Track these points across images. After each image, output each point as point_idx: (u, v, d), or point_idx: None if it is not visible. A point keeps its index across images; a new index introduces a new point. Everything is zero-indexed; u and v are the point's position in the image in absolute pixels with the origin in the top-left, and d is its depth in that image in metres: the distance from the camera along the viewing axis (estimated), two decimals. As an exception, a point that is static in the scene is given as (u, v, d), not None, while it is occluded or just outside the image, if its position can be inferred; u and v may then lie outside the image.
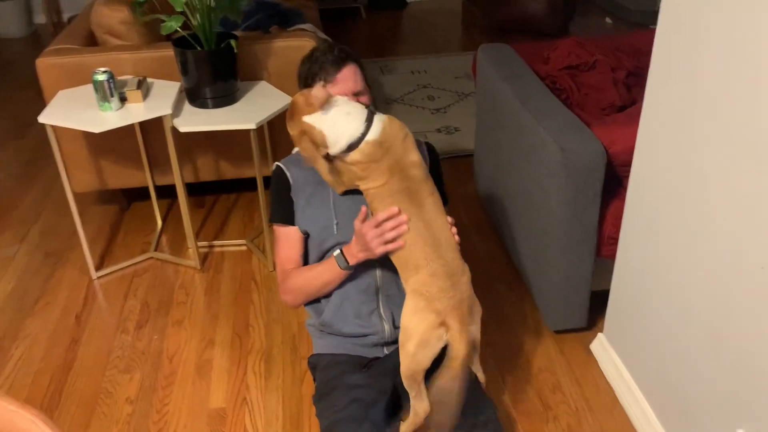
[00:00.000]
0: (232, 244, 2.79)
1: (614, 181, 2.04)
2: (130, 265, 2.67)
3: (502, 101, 2.38)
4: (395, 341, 1.89)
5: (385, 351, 1.90)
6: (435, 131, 3.65)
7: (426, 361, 1.65)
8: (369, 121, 1.64)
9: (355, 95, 1.77)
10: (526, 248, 2.32)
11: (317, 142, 1.63)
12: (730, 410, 1.48)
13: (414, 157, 1.68)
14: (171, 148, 2.39)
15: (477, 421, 1.69)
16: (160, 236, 2.85)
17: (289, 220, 1.83)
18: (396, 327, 1.87)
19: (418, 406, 1.74)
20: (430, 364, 1.65)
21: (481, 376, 1.91)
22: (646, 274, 1.82)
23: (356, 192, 1.77)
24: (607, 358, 2.10)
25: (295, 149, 1.93)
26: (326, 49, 1.78)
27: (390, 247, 1.63)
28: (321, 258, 1.85)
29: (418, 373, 1.67)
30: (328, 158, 1.69)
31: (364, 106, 1.67)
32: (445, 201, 2.01)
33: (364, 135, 1.65)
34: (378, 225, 1.62)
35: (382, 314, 1.86)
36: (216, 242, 2.79)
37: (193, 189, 2.98)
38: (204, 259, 2.70)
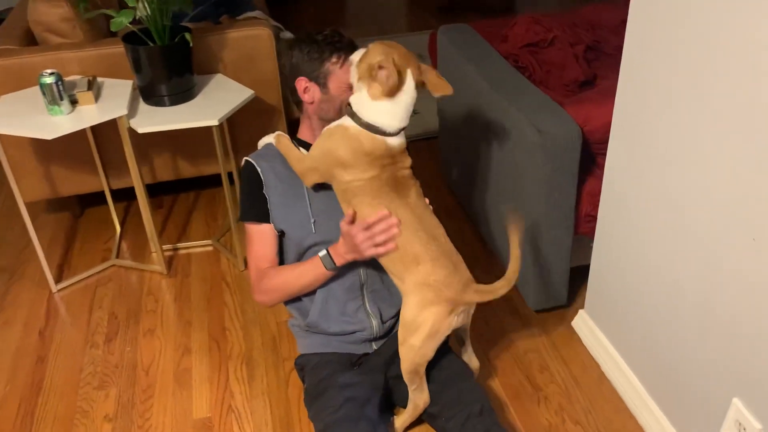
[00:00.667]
0: (197, 245, 2.69)
1: (588, 160, 2.05)
2: (92, 275, 2.54)
3: (468, 83, 2.35)
4: (383, 336, 1.87)
5: (374, 346, 1.87)
6: (394, 115, 3.59)
7: (432, 353, 1.65)
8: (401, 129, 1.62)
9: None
10: (501, 229, 2.31)
11: (392, 81, 1.54)
12: (724, 379, 1.51)
13: (407, 161, 1.66)
14: (128, 151, 2.28)
15: (471, 412, 1.68)
16: (120, 242, 2.73)
17: (262, 218, 1.77)
18: (384, 322, 1.84)
19: (418, 398, 1.72)
20: (433, 354, 1.64)
21: (474, 363, 1.89)
22: (627, 249, 1.83)
23: (330, 188, 1.71)
24: (590, 334, 2.12)
25: (262, 143, 1.86)
26: (335, 32, 1.72)
27: (381, 250, 1.59)
28: (300, 257, 1.79)
29: (422, 365, 1.67)
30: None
31: None
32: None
33: (398, 132, 1.61)
34: (368, 228, 1.57)
35: (369, 310, 1.82)
36: (180, 244, 2.69)
37: (148, 190, 2.85)
38: (169, 262, 2.60)
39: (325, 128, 1.65)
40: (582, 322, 2.17)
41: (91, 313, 2.37)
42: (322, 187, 1.73)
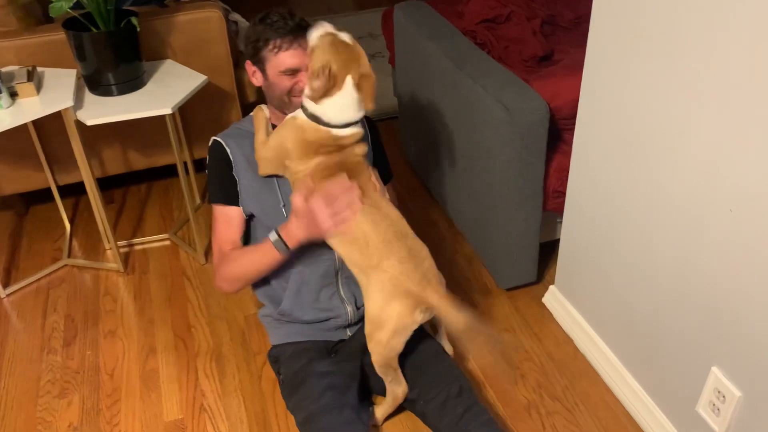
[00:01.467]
0: (154, 240, 2.58)
1: (555, 136, 2.04)
2: (43, 277, 2.41)
3: (429, 62, 2.30)
4: (358, 322, 1.83)
5: (349, 333, 1.83)
6: (348, 96, 3.53)
7: (400, 347, 1.60)
8: (348, 125, 1.57)
9: (294, 72, 1.63)
10: (471, 210, 2.29)
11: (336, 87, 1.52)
12: (702, 349, 1.52)
13: (359, 149, 1.62)
14: (77, 144, 2.15)
15: (450, 393, 1.67)
16: (71, 240, 2.59)
17: (231, 200, 1.70)
18: (358, 307, 1.80)
19: (396, 389, 1.69)
20: (403, 347, 1.60)
21: (449, 348, 1.88)
22: (598, 224, 1.83)
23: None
24: (562, 309, 2.13)
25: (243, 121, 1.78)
26: (286, 15, 1.62)
27: (342, 226, 1.53)
28: None
29: (393, 359, 1.63)
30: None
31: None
32: (390, 176, 1.94)
33: (345, 125, 1.56)
34: (329, 199, 1.51)
35: (343, 296, 1.78)
36: (136, 240, 2.58)
37: (98, 185, 2.72)
38: (126, 259, 2.48)
39: (285, 119, 1.61)
40: (553, 298, 2.18)
41: (45, 317, 2.25)
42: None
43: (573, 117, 1.91)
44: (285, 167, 1.61)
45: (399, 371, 1.67)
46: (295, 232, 1.59)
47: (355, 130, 1.59)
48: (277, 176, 1.69)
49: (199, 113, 2.61)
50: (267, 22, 1.61)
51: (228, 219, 1.73)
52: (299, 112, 1.58)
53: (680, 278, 1.55)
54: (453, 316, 1.51)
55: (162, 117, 2.16)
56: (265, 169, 1.65)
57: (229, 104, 2.66)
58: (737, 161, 1.30)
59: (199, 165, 2.90)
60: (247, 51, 1.69)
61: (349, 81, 1.53)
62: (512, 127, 1.88)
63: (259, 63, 1.66)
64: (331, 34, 1.54)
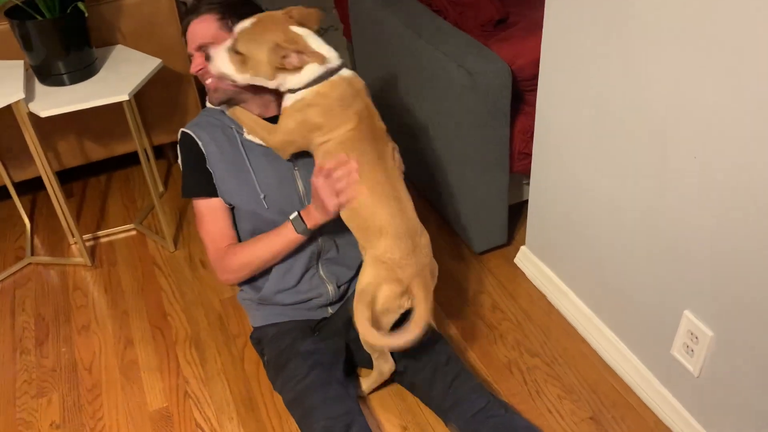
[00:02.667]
0: (119, 231, 2.53)
1: (517, 98, 2.06)
2: (7, 277, 2.35)
3: (386, 31, 2.29)
4: (339, 300, 1.83)
5: (330, 311, 1.83)
6: (305, 73, 3.48)
7: (386, 327, 1.60)
8: (341, 60, 1.53)
9: (202, 48, 1.58)
10: (437, 177, 2.30)
11: (306, 49, 1.45)
12: (673, 294, 1.58)
13: (375, 109, 1.59)
14: (32, 138, 2.08)
15: (438, 362, 1.69)
16: (32, 238, 2.52)
17: (210, 192, 1.66)
18: (339, 286, 1.80)
19: (383, 366, 1.71)
20: (389, 327, 1.60)
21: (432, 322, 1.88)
22: (564, 181, 1.87)
23: (277, 161, 1.63)
24: (534, 268, 2.17)
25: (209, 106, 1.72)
26: (191, 3, 1.63)
27: (342, 199, 1.52)
28: (255, 231, 1.70)
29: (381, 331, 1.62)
30: (279, 94, 1.53)
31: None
32: None
33: (340, 67, 1.52)
34: (327, 175, 1.50)
35: (323, 276, 1.78)
36: (101, 232, 2.52)
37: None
38: (92, 253, 2.43)
39: (284, 108, 1.53)
40: (525, 258, 2.22)
41: (14, 317, 2.20)
42: (266, 159, 1.64)
43: (534, 78, 1.93)
44: (310, 142, 1.54)
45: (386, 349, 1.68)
46: (314, 213, 1.58)
47: (356, 75, 1.57)
48: (251, 164, 1.66)
49: (155, 97, 2.55)
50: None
51: (213, 211, 1.68)
52: (299, 95, 1.50)
53: (648, 228, 1.59)
54: (419, 311, 1.53)
55: (118, 104, 2.10)
56: (288, 152, 1.59)
57: (186, 86, 2.60)
58: (699, 108, 1.33)
59: (158, 151, 2.84)
60: None
61: (296, 29, 1.47)
62: (476, 91, 1.89)
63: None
64: (235, 37, 1.48)
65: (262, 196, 1.64)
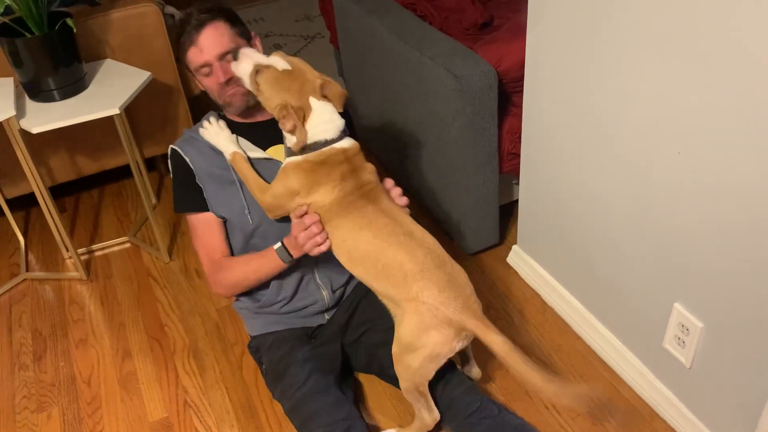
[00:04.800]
0: (113, 244, 2.54)
1: (504, 99, 2.08)
2: (3, 293, 2.35)
3: (372, 37, 2.31)
4: (334, 305, 1.85)
5: (326, 317, 1.85)
6: (293, 81, 3.50)
7: (431, 374, 1.52)
8: (344, 132, 1.53)
9: (223, 57, 1.63)
10: (428, 180, 2.32)
11: (299, 126, 1.48)
12: (663, 287, 1.60)
13: (368, 167, 1.58)
14: (24, 154, 2.09)
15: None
16: (26, 254, 2.53)
17: (202, 206, 1.68)
18: (334, 291, 1.82)
19: (427, 416, 1.62)
20: (434, 371, 1.52)
21: (476, 373, 1.83)
22: (554, 180, 1.90)
23: (264, 173, 1.64)
24: (526, 266, 2.20)
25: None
26: (189, 15, 1.63)
27: (323, 248, 1.53)
28: (247, 240, 1.72)
29: (423, 385, 1.56)
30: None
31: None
32: None
33: (337, 139, 1.52)
34: (305, 227, 1.52)
35: (319, 282, 1.80)
36: (95, 246, 2.53)
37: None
38: (87, 267, 2.44)
39: (280, 169, 1.56)
40: (517, 257, 2.25)
41: (11, 333, 2.20)
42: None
43: (520, 79, 1.96)
44: (299, 205, 1.55)
45: (429, 397, 1.59)
46: (294, 243, 1.59)
47: (354, 142, 1.56)
48: (240, 181, 1.66)
49: (145, 111, 2.56)
50: (181, 23, 1.64)
51: (206, 225, 1.71)
52: (292, 158, 1.53)
53: (636, 223, 1.62)
54: (495, 342, 1.45)
55: (109, 118, 2.11)
56: (275, 214, 1.59)
57: (176, 98, 2.62)
58: (681, 104, 1.36)
59: (150, 163, 2.85)
60: (182, 58, 1.70)
61: (314, 101, 1.50)
62: (463, 94, 1.91)
63: (189, 67, 1.69)
64: (266, 68, 1.49)
65: (246, 210, 1.66)
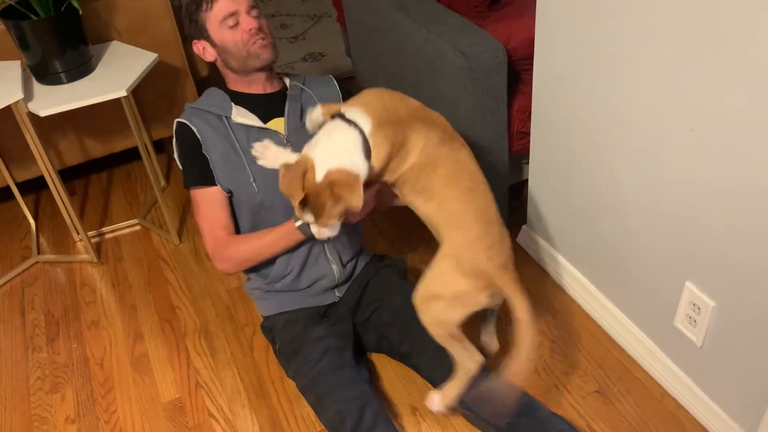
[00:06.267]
0: (123, 227, 2.55)
1: (513, 78, 2.06)
2: (15, 276, 2.37)
3: (379, 16, 2.29)
4: (345, 281, 1.85)
5: (337, 294, 1.86)
6: (301, 61, 3.49)
7: (455, 320, 1.48)
8: (361, 134, 1.39)
9: (235, 16, 1.64)
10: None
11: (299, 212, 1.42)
12: (675, 266, 1.59)
13: (417, 103, 1.54)
14: (33, 137, 2.09)
15: (440, 345, 1.67)
16: (38, 237, 2.54)
17: (207, 180, 1.68)
18: (344, 266, 1.82)
19: (468, 360, 1.56)
20: (459, 322, 1.48)
21: (494, 345, 1.80)
22: (564, 158, 1.88)
23: (268, 140, 1.62)
24: (536, 246, 2.19)
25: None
26: None
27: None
28: (254, 215, 1.72)
29: (453, 328, 1.49)
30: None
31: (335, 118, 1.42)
32: None
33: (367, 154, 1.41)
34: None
35: (329, 256, 1.80)
36: (105, 228, 2.54)
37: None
38: (97, 249, 2.45)
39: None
40: (526, 237, 2.24)
41: (24, 316, 2.22)
42: (257, 141, 1.65)
43: (529, 57, 1.94)
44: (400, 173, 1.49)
45: (466, 340, 1.54)
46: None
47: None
48: (244, 150, 1.68)
49: (152, 92, 2.56)
50: None
51: (211, 200, 1.69)
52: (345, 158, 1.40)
53: (647, 202, 1.60)
54: (524, 306, 1.43)
55: (116, 101, 2.11)
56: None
57: (182, 80, 2.61)
58: (693, 81, 1.34)
59: (158, 146, 2.85)
60: (188, 28, 1.70)
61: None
62: (472, 72, 1.89)
63: (202, 32, 1.67)
64: (296, 170, 1.38)
65: (252, 180, 1.66)
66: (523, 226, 2.24)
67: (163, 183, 2.73)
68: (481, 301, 1.46)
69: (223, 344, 2.04)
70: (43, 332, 2.16)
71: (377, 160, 1.40)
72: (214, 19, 1.65)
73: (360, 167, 1.38)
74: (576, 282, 2.03)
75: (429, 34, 2.00)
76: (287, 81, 1.82)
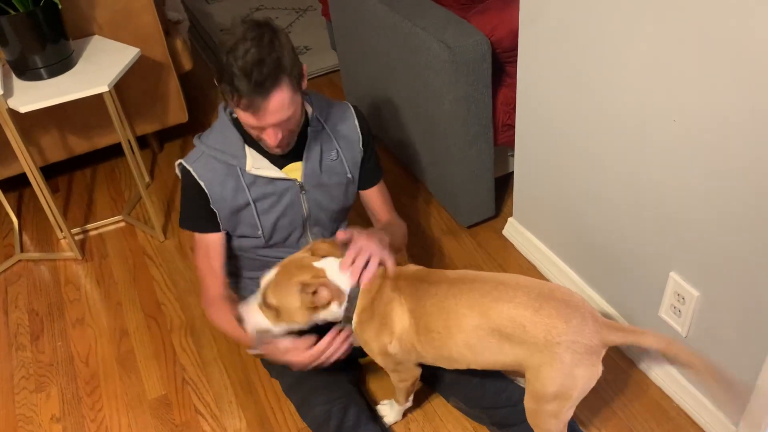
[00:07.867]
0: (108, 223, 2.53)
1: (498, 70, 2.06)
2: (-2, 275, 2.35)
3: (364, 9, 2.28)
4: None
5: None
6: (285, 55, 3.46)
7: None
8: (350, 303, 1.42)
9: (278, 125, 1.44)
10: (423, 153, 2.31)
11: (328, 285, 1.41)
12: (659, 257, 1.60)
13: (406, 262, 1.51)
14: (13, 134, 2.07)
15: None
16: (21, 234, 2.52)
17: (209, 229, 1.62)
18: None
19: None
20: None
21: None
22: (549, 150, 1.88)
23: (283, 188, 1.59)
24: (522, 238, 2.19)
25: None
26: (247, 68, 1.32)
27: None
28: (258, 251, 1.69)
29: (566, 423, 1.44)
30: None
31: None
32: (381, 174, 1.81)
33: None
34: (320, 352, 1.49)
35: (311, 239, 1.77)
36: (89, 225, 2.52)
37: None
38: (82, 247, 2.43)
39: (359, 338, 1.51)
40: (513, 229, 2.24)
41: (7, 314, 2.20)
42: (272, 187, 1.60)
43: (513, 49, 1.94)
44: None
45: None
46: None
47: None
48: (253, 201, 1.59)
49: (135, 87, 2.53)
50: (231, 60, 1.34)
51: (205, 247, 1.64)
52: (352, 324, 1.46)
53: (632, 193, 1.61)
54: (650, 340, 1.35)
55: (98, 96, 2.09)
56: (410, 361, 1.51)
57: (165, 74, 2.58)
58: (678, 73, 1.34)
59: (142, 141, 2.83)
60: (217, 83, 1.45)
61: (321, 265, 1.43)
62: (456, 65, 1.89)
63: (230, 104, 1.46)
64: (266, 288, 1.42)
65: (259, 231, 1.62)
66: (510, 219, 2.25)
67: (147, 179, 2.70)
68: (600, 369, 1.34)
69: (209, 340, 2.03)
70: (27, 331, 2.14)
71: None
72: (243, 118, 1.43)
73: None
74: (562, 273, 2.03)
75: (413, 26, 2.00)
76: (308, 108, 1.62)
